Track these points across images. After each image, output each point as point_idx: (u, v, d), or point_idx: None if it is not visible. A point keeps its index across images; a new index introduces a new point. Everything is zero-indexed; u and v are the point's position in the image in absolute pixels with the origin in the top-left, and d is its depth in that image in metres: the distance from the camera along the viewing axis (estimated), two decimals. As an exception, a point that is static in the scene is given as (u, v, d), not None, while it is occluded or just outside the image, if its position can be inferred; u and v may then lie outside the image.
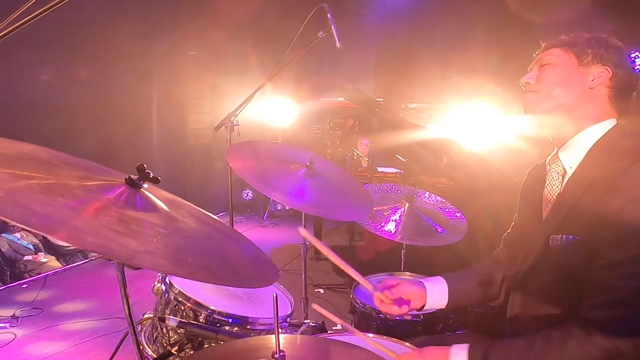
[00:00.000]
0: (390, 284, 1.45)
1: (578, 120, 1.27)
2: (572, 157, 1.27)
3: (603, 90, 1.25)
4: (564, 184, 1.28)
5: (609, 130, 1.24)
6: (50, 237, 3.86)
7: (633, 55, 1.36)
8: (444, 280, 1.50)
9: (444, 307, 1.49)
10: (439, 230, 2.24)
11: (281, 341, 0.95)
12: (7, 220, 0.71)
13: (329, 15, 2.23)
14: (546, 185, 1.34)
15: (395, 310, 1.42)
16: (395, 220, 2.26)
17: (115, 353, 1.48)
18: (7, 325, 3.16)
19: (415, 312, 1.70)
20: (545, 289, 1.26)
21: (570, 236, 1.18)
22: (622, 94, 1.26)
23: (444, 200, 2.45)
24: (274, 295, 0.97)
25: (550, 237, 1.22)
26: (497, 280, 1.51)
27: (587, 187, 1.18)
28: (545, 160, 1.39)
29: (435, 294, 1.47)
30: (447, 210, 2.39)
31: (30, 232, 4.17)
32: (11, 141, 0.99)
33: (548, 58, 1.31)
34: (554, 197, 1.30)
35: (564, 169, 1.28)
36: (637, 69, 1.27)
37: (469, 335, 1.59)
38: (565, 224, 1.21)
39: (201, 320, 1.44)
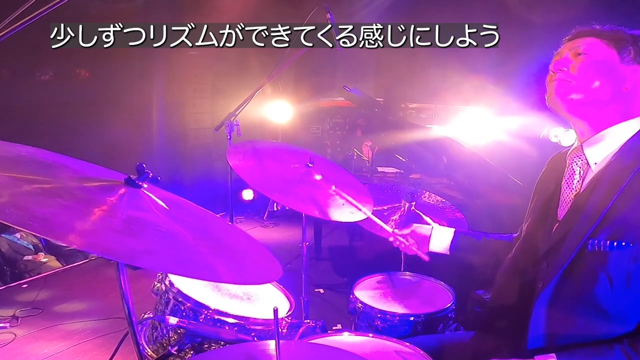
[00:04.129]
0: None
1: (606, 117, 1.22)
2: (598, 154, 1.22)
3: (637, 91, 1.21)
4: (585, 181, 1.24)
5: (638, 131, 1.20)
6: (51, 239, 3.87)
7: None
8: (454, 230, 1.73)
9: (447, 252, 1.71)
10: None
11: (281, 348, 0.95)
12: (8, 224, 0.71)
13: (329, 15, 2.24)
14: (564, 180, 1.29)
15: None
16: (395, 220, 2.26)
17: (115, 353, 1.48)
18: (7, 325, 3.15)
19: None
20: (583, 298, 1.15)
21: (623, 242, 1.09)
22: None
23: (444, 200, 2.45)
24: (274, 308, 0.95)
25: (589, 243, 1.13)
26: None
27: (625, 190, 1.12)
28: (567, 152, 1.33)
29: (439, 232, 1.73)
30: (447, 210, 2.39)
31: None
32: (10, 144, 0.99)
33: (587, 48, 1.22)
34: (572, 194, 1.25)
35: (588, 164, 1.24)
36: None
37: (468, 335, 1.59)
38: (607, 229, 1.12)
39: (201, 320, 1.44)
